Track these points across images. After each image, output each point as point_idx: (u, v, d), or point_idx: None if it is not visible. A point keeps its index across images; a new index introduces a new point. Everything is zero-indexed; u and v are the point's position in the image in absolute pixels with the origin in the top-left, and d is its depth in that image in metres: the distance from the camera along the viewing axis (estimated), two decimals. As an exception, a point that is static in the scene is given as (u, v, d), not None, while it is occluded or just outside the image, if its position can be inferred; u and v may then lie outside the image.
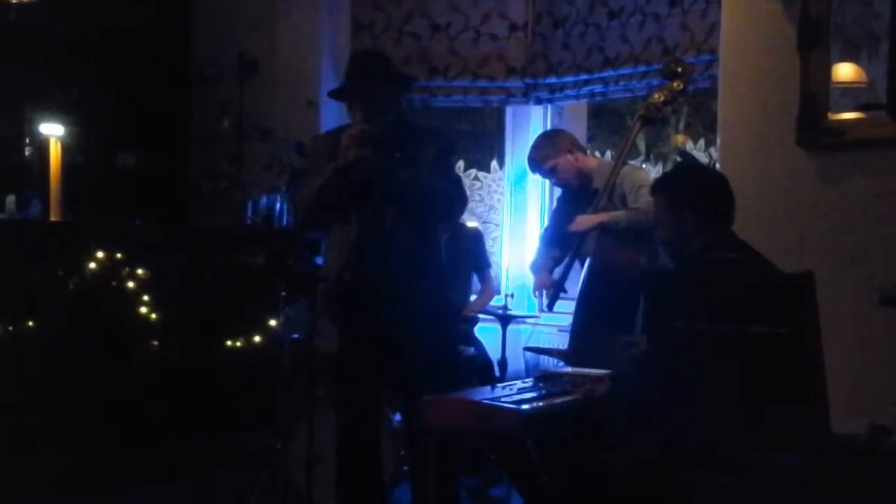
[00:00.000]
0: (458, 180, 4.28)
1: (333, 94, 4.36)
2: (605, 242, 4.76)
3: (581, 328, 4.78)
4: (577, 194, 5.09)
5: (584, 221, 4.84)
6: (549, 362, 5.56)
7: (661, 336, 3.26)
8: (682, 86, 4.89)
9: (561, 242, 5.09)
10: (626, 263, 4.63)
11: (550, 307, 5.09)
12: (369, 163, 3.95)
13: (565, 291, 4.97)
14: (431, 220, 4.14)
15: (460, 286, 5.89)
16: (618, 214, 4.74)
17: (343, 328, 4.20)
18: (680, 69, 4.91)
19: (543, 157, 5.14)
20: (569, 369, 3.82)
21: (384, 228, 4.01)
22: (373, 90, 4.08)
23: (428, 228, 4.14)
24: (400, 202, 4.00)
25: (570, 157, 5.11)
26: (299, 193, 4.35)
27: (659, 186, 3.70)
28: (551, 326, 5.83)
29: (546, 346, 5.80)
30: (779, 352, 3.17)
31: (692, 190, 3.55)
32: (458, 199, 4.19)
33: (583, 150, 5.24)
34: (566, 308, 5.10)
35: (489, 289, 6.12)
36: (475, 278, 6.15)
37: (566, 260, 4.98)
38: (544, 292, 5.02)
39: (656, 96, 4.90)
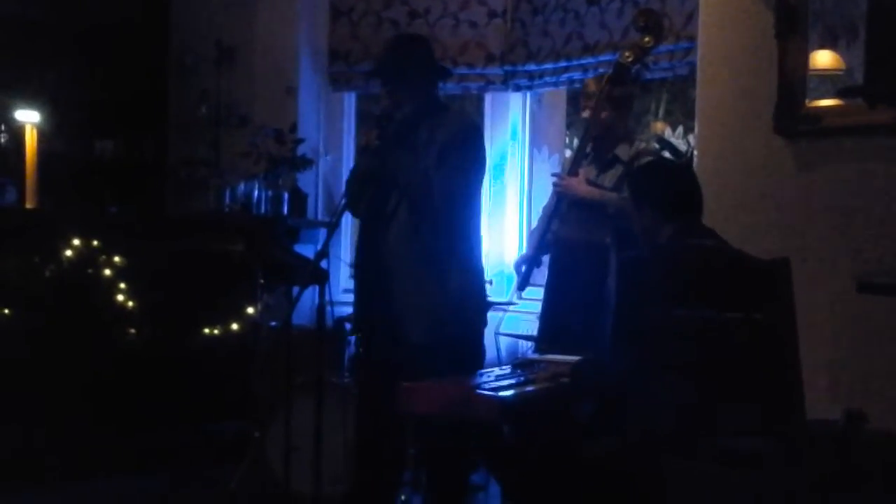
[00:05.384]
0: (459, 182, 4.14)
1: (368, 74, 4.44)
2: (571, 217, 4.67)
3: (549, 310, 4.74)
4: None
5: (576, 187, 4.60)
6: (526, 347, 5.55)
7: (635, 322, 3.27)
8: (652, 42, 4.57)
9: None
10: (592, 240, 4.52)
11: (522, 287, 4.94)
12: (375, 149, 4.02)
13: (538, 265, 4.77)
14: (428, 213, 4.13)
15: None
16: (611, 197, 4.58)
17: (355, 308, 4.34)
18: (652, 23, 4.59)
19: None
20: (546, 357, 3.82)
21: (387, 212, 4.09)
22: (401, 76, 4.14)
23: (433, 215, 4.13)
24: (403, 190, 4.08)
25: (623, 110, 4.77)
26: None
27: (626, 182, 3.76)
28: (526, 313, 5.79)
29: (520, 332, 5.76)
30: (754, 338, 3.18)
31: (649, 187, 3.61)
32: (446, 203, 4.13)
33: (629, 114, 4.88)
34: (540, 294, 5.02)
35: None
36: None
37: (537, 234, 4.82)
38: (522, 268, 4.84)
39: (626, 55, 4.57)
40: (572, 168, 4.68)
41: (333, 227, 4.14)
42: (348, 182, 4.31)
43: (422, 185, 4.05)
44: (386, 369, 4.17)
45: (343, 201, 4.16)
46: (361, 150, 4.12)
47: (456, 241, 4.18)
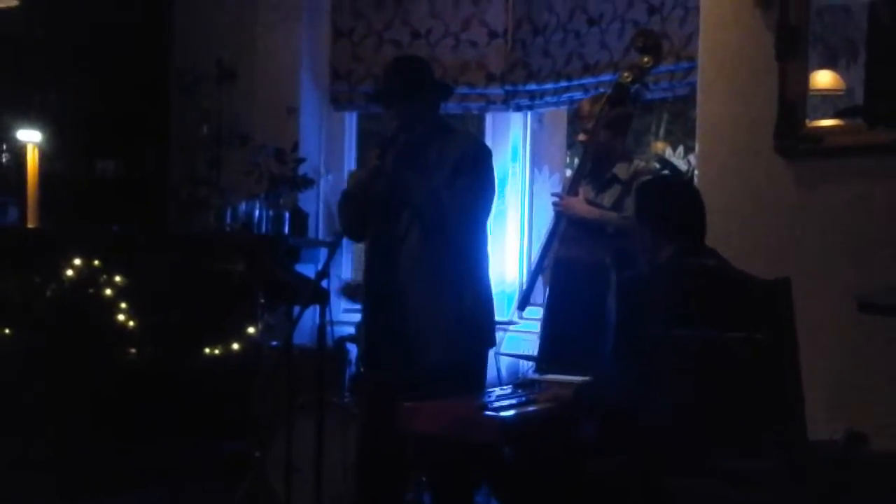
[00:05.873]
0: (470, 202, 4.15)
1: (370, 98, 4.42)
2: (571, 236, 4.68)
3: (550, 329, 4.74)
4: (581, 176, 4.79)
5: (576, 206, 4.63)
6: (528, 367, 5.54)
7: (635, 342, 3.27)
8: (651, 62, 4.63)
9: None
10: (592, 260, 4.52)
11: (522, 307, 4.97)
12: (382, 172, 4.03)
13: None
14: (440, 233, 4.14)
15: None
16: (610, 216, 4.61)
17: (363, 330, 4.34)
18: (651, 43, 4.64)
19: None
20: (546, 377, 3.82)
21: (398, 233, 4.09)
22: (406, 98, 4.13)
23: (445, 235, 4.14)
24: (414, 210, 4.08)
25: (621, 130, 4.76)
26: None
27: (633, 194, 3.75)
28: (527, 333, 5.79)
29: (520, 352, 5.75)
30: (755, 358, 3.18)
31: (653, 205, 3.63)
32: (457, 223, 4.13)
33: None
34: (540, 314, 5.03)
35: None
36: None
37: (537, 255, 4.86)
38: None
39: (625, 75, 4.63)
40: (572, 187, 4.69)
41: (334, 246, 4.16)
42: (343, 202, 4.30)
43: (433, 205, 4.05)
44: (395, 389, 4.18)
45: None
46: (371, 172, 4.11)
47: (468, 261, 4.18)
